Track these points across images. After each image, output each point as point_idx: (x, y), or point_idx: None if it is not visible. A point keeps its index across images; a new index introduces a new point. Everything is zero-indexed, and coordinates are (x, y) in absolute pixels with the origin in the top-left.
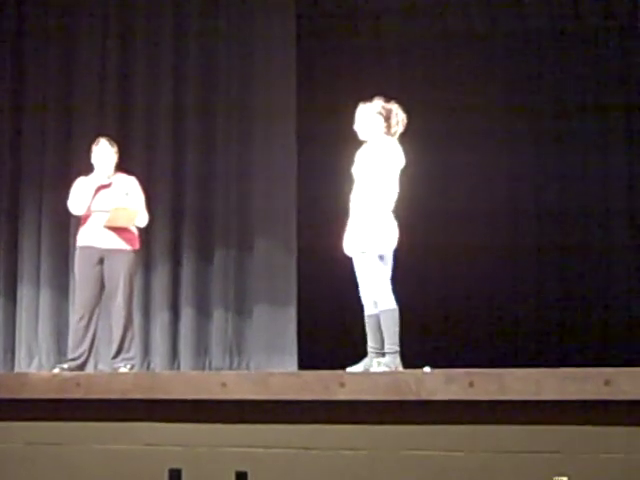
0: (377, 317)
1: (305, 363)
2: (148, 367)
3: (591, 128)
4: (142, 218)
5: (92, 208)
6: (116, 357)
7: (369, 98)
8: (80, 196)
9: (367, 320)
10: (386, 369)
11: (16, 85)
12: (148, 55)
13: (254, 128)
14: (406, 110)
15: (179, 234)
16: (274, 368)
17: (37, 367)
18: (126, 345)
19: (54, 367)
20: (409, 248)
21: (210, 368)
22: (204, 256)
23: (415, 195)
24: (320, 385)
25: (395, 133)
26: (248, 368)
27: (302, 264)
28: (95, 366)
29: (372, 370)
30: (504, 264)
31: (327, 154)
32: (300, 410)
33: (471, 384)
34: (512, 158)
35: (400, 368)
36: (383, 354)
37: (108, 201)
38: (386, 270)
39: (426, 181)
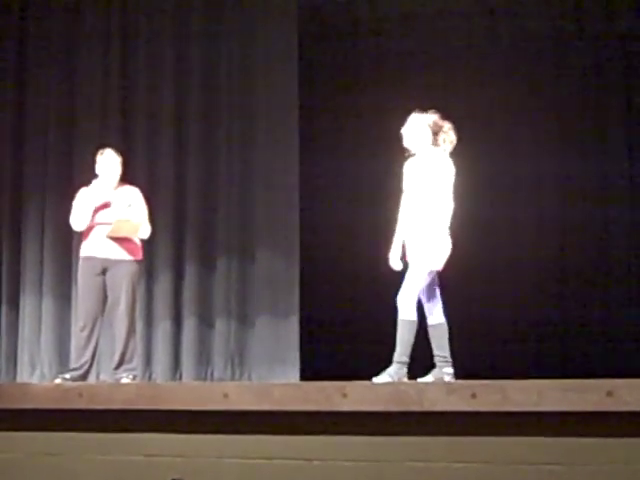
0: (442, 326)
1: (307, 374)
2: (150, 377)
3: None
4: (145, 230)
5: (95, 220)
6: (118, 367)
7: (425, 109)
8: (81, 214)
9: (430, 330)
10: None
11: (18, 95)
12: (150, 64)
13: (256, 137)
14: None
15: (181, 244)
16: (276, 379)
17: (39, 377)
18: (128, 355)
19: (56, 377)
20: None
21: (212, 379)
22: (206, 266)
23: None
24: (322, 396)
25: (444, 149)
26: (250, 379)
27: (305, 274)
28: (97, 376)
29: (446, 380)
30: (503, 276)
31: (330, 163)
32: (302, 421)
33: (473, 395)
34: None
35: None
36: (449, 363)
37: (111, 213)
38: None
39: None
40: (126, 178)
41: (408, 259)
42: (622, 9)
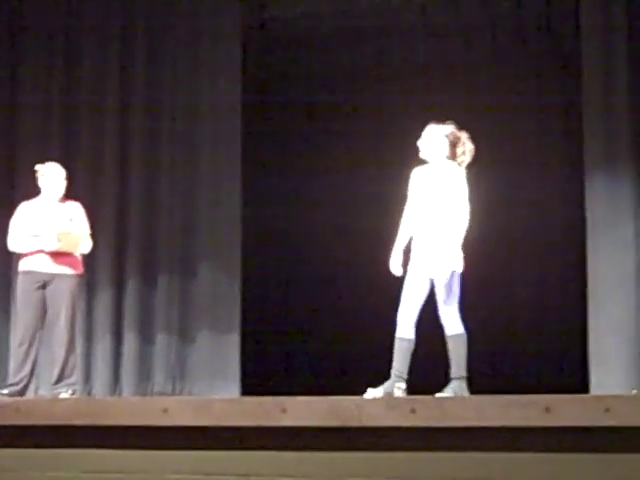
0: (459, 337)
1: (247, 389)
2: (90, 393)
3: None
4: (86, 244)
5: (36, 233)
6: (58, 382)
7: (441, 120)
8: (18, 238)
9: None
10: (452, 394)
11: None
12: (93, 80)
13: (199, 153)
14: None
15: (123, 259)
16: (217, 394)
17: None
18: (68, 370)
19: None
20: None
21: (152, 394)
22: (148, 282)
23: None
24: (262, 411)
25: (462, 163)
26: (191, 394)
27: (246, 290)
28: (35, 391)
29: (461, 394)
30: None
31: (271, 180)
32: (242, 436)
33: (412, 410)
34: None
35: (466, 394)
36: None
37: (52, 226)
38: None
39: None
40: (68, 193)
41: (425, 273)
42: None
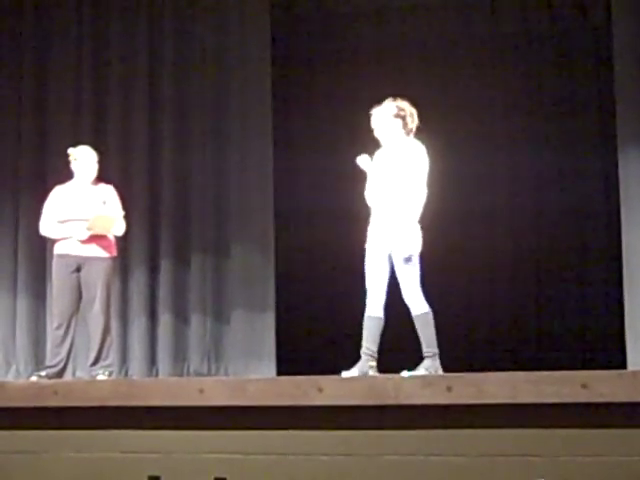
0: (425, 316)
1: (283, 369)
2: (126, 374)
3: None
4: (119, 227)
5: (70, 216)
6: (94, 364)
7: (378, 101)
8: (50, 225)
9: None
10: (426, 373)
11: None
12: (122, 62)
13: (230, 132)
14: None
15: (156, 241)
16: (252, 374)
17: (14, 375)
18: (104, 352)
19: (32, 375)
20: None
21: (188, 374)
22: (181, 262)
23: None
24: (298, 391)
25: (412, 130)
26: (226, 374)
27: (280, 269)
28: (73, 374)
29: (435, 372)
30: (480, 270)
31: (303, 156)
32: (278, 416)
33: (449, 388)
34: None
35: (440, 372)
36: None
37: (86, 210)
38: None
39: None
40: (100, 176)
41: (383, 250)
42: None
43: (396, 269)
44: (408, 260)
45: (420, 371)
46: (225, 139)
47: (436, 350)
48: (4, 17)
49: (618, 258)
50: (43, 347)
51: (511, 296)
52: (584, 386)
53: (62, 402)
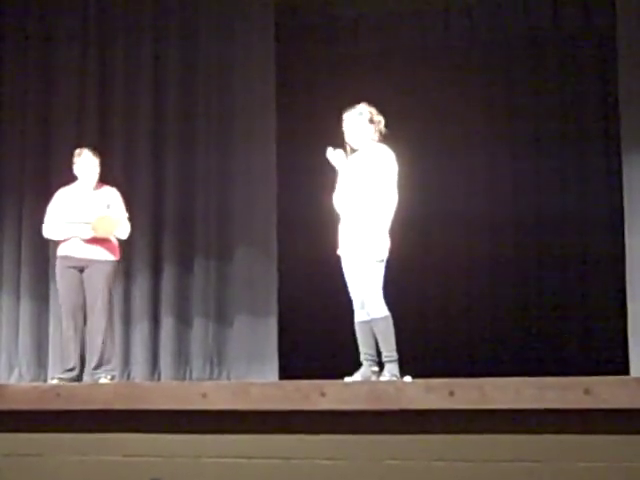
0: (385, 320)
1: (286, 373)
2: (128, 377)
3: None
4: (123, 229)
5: (73, 219)
6: (97, 368)
7: (348, 105)
8: (53, 226)
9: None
10: (393, 378)
11: None
12: (127, 64)
13: (233, 136)
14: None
15: (159, 244)
16: (255, 378)
17: (17, 378)
18: (107, 356)
19: (33, 378)
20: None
21: (191, 378)
22: (184, 265)
23: None
24: (300, 395)
25: (381, 135)
26: (229, 378)
27: (282, 273)
28: None
29: (395, 376)
30: (483, 274)
31: (306, 161)
32: (280, 420)
33: (451, 393)
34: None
35: (398, 375)
36: (380, 363)
37: (89, 212)
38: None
39: None
40: (104, 179)
41: (349, 253)
42: None
43: (361, 270)
44: (374, 264)
45: (386, 377)
46: (229, 144)
47: (396, 355)
48: (10, 20)
49: (621, 262)
50: (46, 350)
51: (513, 301)
52: (587, 392)
53: (64, 405)
